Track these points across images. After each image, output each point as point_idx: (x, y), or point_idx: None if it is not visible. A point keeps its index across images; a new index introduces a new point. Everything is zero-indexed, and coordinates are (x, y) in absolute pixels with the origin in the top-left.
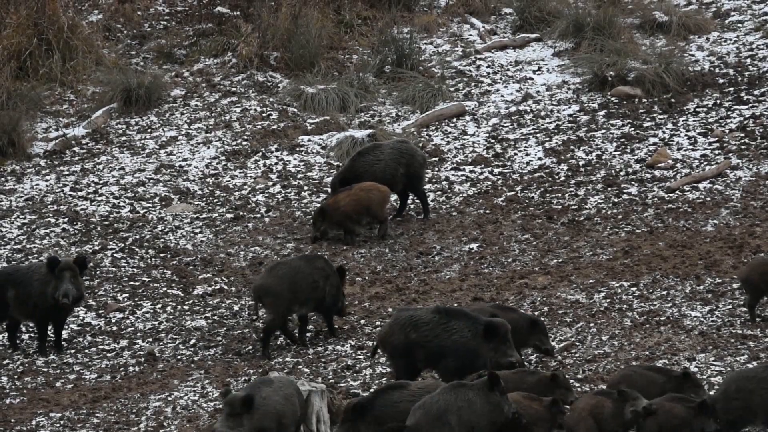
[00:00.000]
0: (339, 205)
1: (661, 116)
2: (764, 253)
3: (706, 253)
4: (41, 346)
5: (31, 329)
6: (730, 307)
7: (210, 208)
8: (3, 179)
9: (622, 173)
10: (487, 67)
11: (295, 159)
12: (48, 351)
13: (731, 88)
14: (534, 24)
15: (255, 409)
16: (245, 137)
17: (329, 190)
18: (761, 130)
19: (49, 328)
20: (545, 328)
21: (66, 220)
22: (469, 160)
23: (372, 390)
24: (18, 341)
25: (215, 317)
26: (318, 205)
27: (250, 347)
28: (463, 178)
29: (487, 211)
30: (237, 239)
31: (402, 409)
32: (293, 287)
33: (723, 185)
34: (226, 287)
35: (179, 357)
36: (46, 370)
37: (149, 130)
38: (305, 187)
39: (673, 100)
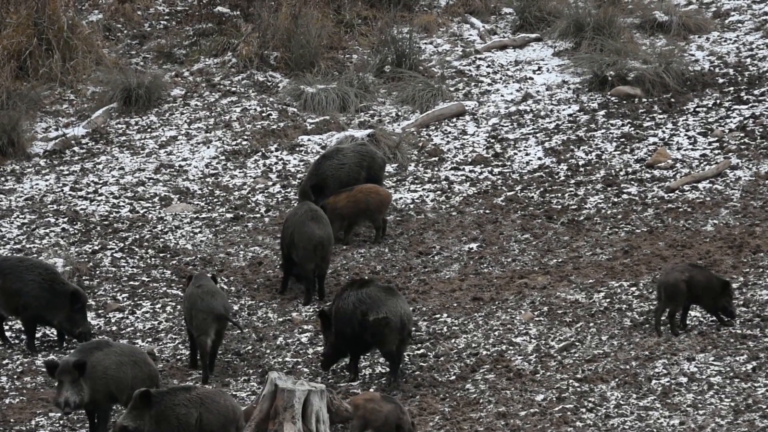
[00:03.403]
0: (338, 205)
1: (661, 116)
2: (764, 253)
3: (705, 253)
4: (30, 343)
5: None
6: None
7: (210, 207)
8: (3, 179)
9: (621, 173)
10: (487, 66)
11: (294, 159)
12: (42, 348)
13: (731, 88)
14: (534, 24)
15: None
16: (245, 137)
17: (298, 196)
18: (761, 130)
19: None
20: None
21: (66, 219)
22: (469, 159)
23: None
24: (17, 341)
25: None
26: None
27: (250, 347)
28: (463, 177)
29: (487, 211)
30: (237, 239)
31: (179, 412)
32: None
33: (723, 185)
34: (225, 287)
35: (179, 357)
36: (45, 370)
37: (149, 130)
38: None
39: (673, 99)
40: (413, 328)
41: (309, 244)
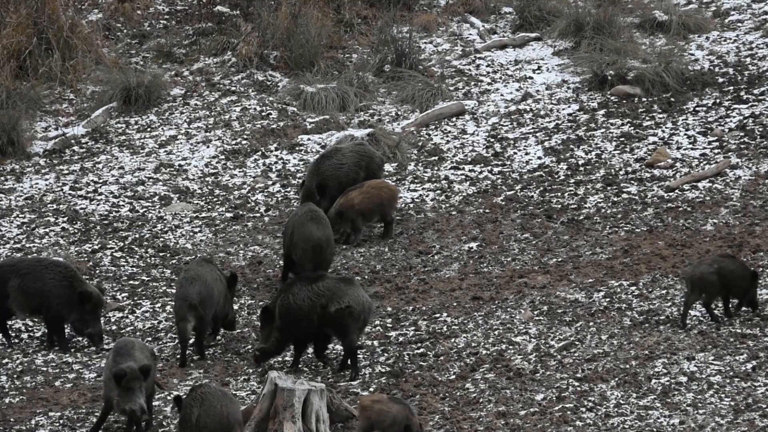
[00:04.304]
0: (354, 203)
1: (661, 115)
2: (764, 252)
3: (705, 253)
4: (62, 342)
5: (30, 328)
6: (730, 306)
7: (209, 207)
8: (3, 178)
9: (621, 172)
10: (486, 66)
11: (294, 158)
12: (42, 348)
13: (731, 88)
14: (534, 23)
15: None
16: (245, 136)
17: (300, 197)
18: (761, 130)
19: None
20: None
21: (65, 219)
22: (469, 159)
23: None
24: (17, 340)
25: None
26: (332, 209)
27: (250, 346)
28: (463, 177)
29: (487, 211)
30: (236, 238)
31: (186, 411)
32: None
33: (722, 184)
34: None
35: (178, 356)
36: (45, 369)
37: (149, 130)
38: None
39: (672, 99)
40: (372, 318)
41: (307, 245)
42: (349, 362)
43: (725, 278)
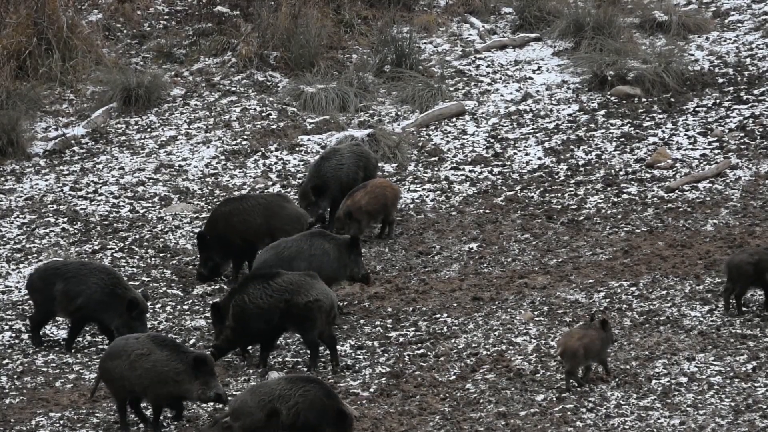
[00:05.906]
0: (361, 204)
1: (661, 116)
2: None
3: (705, 253)
4: (70, 343)
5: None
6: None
7: (209, 207)
8: (3, 179)
9: (621, 173)
10: (486, 66)
11: (294, 159)
12: (43, 348)
13: (731, 88)
14: (534, 23)
15: None
16: (245, 137)
17: (298, 198)
18: (761, 130)
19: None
20: None
21: (65, 219)
22: (469, 159)
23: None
24: (17, 340)
25: None
26: (340, 211)
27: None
28: (463, 177)
29: (487, 211)
30: None
31: None
32: None
33: (722, 185)
34: (225, 287)
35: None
36: (45, 369)
37: (149, 130)
38: None
39: (672, 99)
40: (339, 310)
41: (298, 224)
42: (329, 357)
43: (762, 270)
